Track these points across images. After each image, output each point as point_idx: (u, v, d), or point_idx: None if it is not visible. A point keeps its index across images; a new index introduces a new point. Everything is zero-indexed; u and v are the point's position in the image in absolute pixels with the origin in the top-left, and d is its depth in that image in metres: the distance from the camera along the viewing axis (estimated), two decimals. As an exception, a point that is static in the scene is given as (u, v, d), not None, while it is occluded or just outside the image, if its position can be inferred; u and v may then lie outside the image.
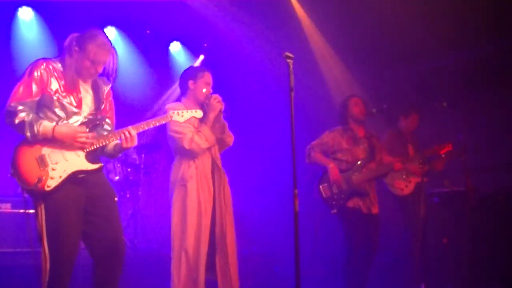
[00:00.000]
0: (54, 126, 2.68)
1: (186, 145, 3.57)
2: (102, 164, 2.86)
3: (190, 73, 3.82)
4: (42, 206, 2.63)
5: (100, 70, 2.88)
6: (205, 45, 7.31)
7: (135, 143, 2.86)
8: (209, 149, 3.70)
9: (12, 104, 2.68)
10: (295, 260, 2.63)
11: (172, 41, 7.38)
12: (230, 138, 3.87)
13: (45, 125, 2.66)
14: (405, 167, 4.44)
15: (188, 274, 3.55)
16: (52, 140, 2.69)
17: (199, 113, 3.20)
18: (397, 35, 5.56)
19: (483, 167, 5.27)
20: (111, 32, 6.72)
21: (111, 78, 2.98)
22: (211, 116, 3.63)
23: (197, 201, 3.60)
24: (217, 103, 3.61)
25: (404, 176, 4.78)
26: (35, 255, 2.64)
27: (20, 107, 2.67)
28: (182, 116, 3.09)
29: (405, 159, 4.38)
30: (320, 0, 5.74)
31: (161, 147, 6.04)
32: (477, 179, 4.87)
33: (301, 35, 6.17)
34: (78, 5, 5.64)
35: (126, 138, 2.83)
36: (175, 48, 7.41)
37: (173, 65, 7.48)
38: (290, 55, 2.86)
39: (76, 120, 2.80)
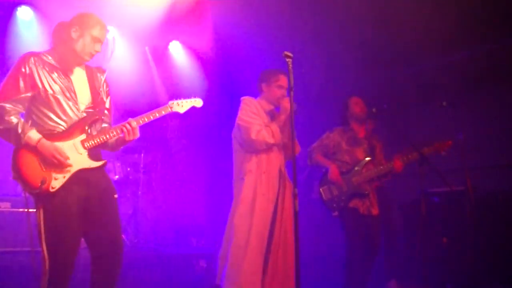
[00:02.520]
0: (38, 141, 2.59)
1: (253, 135, 3.52)
2: (106, 161, 2.82)
3: (264, 76, 3.90)
4: (42, 206, 2.60)
5: (99, 49, 2.85)
6: (205, 44, 7.30)
7: (137, 135, 2.84)
8: (278, 149, 3.69)
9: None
10: (295, 260, 2.63)
11: (171, 41, 7.38)
12: (297, 147, 3.76)
13: (30, 137, 2.58)
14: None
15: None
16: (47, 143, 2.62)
17: (198, 102, 3.18)
18: (396, 35, 5.55)
19: (483, 166, 5.27)
20: (111, 32, 6.72)
21: (107, 59, 2.95)
22: (282, 117, 3.66)
23: (251, 196, 3.47)
24: (287, 105, 3.61)
25: None
26: (35, 254, 2.63)
27: (8, 107, 2.59)
28: (182, 106, 3.08)
29: (406, 158, 4.36)
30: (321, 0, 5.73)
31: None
32: (477, 178, 4.87)
33: (301, 34, 6.16)
34: (77, 5, 5.63)
35: (128, 131, 2.81)
36: (175, 47, 7.41)
37: (172, 65, 7.47)
38: (290, 54, 2.86)
39: (75, 114, 2.74)
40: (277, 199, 3.53)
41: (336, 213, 4.14)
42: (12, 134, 2.58)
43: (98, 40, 2.82)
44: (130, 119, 2.84)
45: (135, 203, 6.06)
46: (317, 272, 5.54)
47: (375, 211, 4.20)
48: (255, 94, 3.93)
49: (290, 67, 2.85)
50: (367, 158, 4.24)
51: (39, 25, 6.14)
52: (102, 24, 2.84)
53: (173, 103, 3.04)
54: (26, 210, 2.86)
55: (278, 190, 3.55)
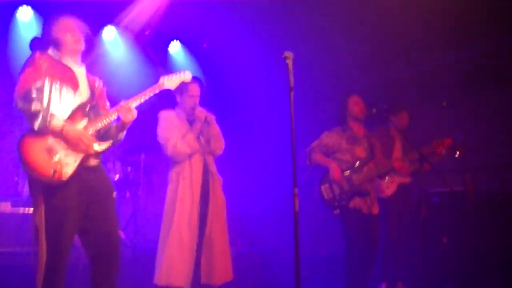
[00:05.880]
0: (64, 126, 2.68)
1: (169, 151, 3.86)
2: (112, 141, 2.89)
3: (177, 88, 4.00)
4: (43, 200, 2.62)
5: (82, 46, 2.93)
6: (205, 45, 7.31)
7: (135, 115, 2.91)
8: (201, 153, 3.95)
9: (27, 88, 2.65)
10: (295, 260, 2.63)
11: (171, 40, 7.38)
12: (218, 150, 4.11)
13: (57, 120, 2.66)
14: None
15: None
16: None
17: (187, 74, 3.21)
18: (397, 35, 5.56)
19: (483, 167, 5.27)
20: (111, 32, 6.72)
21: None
22: (198, 125, 3.95)
23: (172, 202, 3.86)
24: (199, 115, 3.94)
25: (387, 177, 4.67)
26: (35, 254, 2.63)
27: (34, 94, 2.65)
28: (172, 81, 3.11)
29: (405, 156, 4.36)
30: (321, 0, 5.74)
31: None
32: (477, 179, 4.87)
33: (301, 35, 6.16)
34: (77, 5, 5.63)
35: (124, 110, 2.86)
36: (175, 47, 7.41)
37: (172, 65, 7.47)
38: (290, 55, 2.86)
39: (76, 104, 2.80)
40: (203, 201, 3.88)
41: (337, 211, 4.14)
42: (38, 118, 2.62)
43: (77, 41, 2.91)
44: (122, 102, 2.90)
45: (135, 203, 6.06)
46: (318, 273, 5.54)
47: (375, 210, 4.20)
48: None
49: (290, 68, 2.85)
50: (367, 157, 4.23)
51: (39, 25, 6.14)
52: (72, 26, 2.93)
53: (163, 79, 3.08)
54: (26, 210, 2.87)
55: (203, 192, 3.88)
